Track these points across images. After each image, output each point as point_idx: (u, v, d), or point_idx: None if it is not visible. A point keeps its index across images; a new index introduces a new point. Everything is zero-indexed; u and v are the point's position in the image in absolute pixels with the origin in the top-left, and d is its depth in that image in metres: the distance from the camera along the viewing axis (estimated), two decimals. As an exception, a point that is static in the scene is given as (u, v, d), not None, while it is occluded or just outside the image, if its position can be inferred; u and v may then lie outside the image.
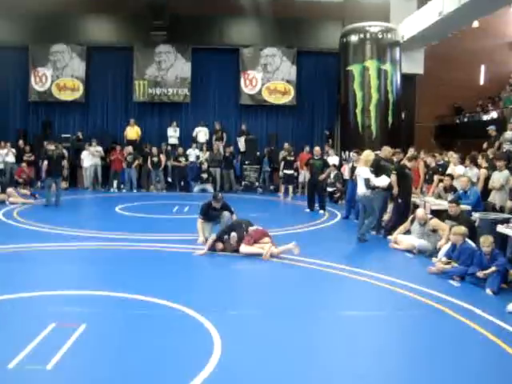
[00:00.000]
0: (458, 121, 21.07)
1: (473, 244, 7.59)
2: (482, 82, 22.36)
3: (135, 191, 17.48)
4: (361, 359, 4.55)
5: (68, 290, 6.16)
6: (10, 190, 14.01)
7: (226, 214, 9.10)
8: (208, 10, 19.15)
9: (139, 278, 6.82)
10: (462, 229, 7.49)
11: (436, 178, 11.52)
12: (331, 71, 19.39)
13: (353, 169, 12.42)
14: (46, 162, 14.26)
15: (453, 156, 12.09)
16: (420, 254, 8.60)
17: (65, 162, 15.59)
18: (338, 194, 15.48)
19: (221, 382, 3.99)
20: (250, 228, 8.55)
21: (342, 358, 4.60)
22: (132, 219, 12.05)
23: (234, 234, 8.37)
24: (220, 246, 8.42)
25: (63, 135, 18.93)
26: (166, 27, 18.53)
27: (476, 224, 8.25)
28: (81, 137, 19.09)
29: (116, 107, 20.22)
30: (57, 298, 5.88)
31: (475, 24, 18.81)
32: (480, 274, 6.69)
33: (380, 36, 17.41)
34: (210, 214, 9.18)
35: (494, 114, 18.27)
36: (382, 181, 9.84)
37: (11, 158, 17.18)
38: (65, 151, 17.61)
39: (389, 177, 9.91)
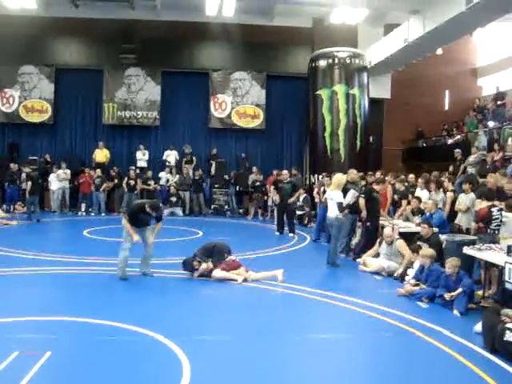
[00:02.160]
0: (424, 144, 21.47)
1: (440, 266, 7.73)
2: (446, 107, 22.88)
3: (103, 214, 17.27)
4: (332, 382, 4.53)
5: (32, 315, 6.02)
6: None
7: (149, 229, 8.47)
8: (178, 34, 19.25)
9: (106, 303, 6.72)
10: (430, 251, 7.64)
11: (404, 202, 11.65)
12: (300, 95, 19.62)
13: (324, 192, 12.55)
14: (29, 183, 15.53)
15: (418, 180, 12.28)
16: (389, 276, 8.67)
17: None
18: (307, 218, 15.56)
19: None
20: (229, 257, 8.51)
21: (314, 381, 4.57)
22: (100, 243, 11.89)
23: (210, 264, 8.32)
24: (197, 264, 8.32)
25: (30, 157, 18.63)
26: (136, 50, 18.58)
27: (443, 246, 8.37)
28: (49, 159, 18.84)
29: (85, 130, 20.03)
30: (20, 324, 5.74)
31: (439, 51, 19.34)
32: (447, 296, 6.78)
33: (348, 61, 17.71)
34: (139, 217, 8.25)
35: (458, 138, 18.67)
36: (349, 197, 9.97)
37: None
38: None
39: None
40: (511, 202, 7.77)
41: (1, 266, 8.67)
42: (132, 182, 17.51)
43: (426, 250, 7.70)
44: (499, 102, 18.58)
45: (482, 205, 8.10)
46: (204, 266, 8.28)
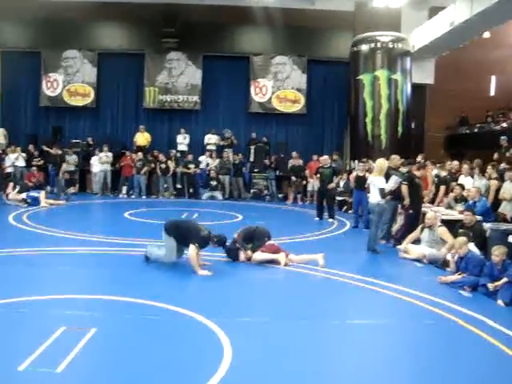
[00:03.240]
0: (467, 131, 21.00)
1: (479, 253, 7.59)
2: (492, 93, 22.28)
3: (144, 197, 17.50)
4: (371, 368, 4.51)
5: (78, 294, 6.16)
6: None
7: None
8: (219, 18, 19.22)
9: (149, 284, 6.83)
10: (461, 239, 7.51)
11: (442, 188, 11.44)
12: (341, 80, 19.41)
13: (358, 178, 12.45)
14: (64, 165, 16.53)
15: (463, 167, 12.05)
16: (430, 264, 8.55)
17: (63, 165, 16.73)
18: (348, 203, 15.44)
19: (231, 388, 3.97)
20: (268, 242, 8.51)
21: (352, 366, 4.56)
22: (141, 225, 12.07)
23: (249, 252, 8.34)
24: (245, 255, 8.35)
25: (73, 140, 19.04)
26: (178, 34, 18.68)
27: (487, 235, 8.20)
28: (91, 142, 19.18)
29: (126, 113, 20.30)
30: (67, 301, 5.88)
31: (486, 35, 18.79)
32: (491, 286, 6.64)
33: (391, 46, 17.46)
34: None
35: (504, 125, 18.18)
36: (391, 183, 9.83)
37: (21, 163, 17.26)
38: (74, 156, 17.87)
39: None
40: None
41: (45, 245, 8.91)
42: (163, 166, 17.66)
43: (458, 240, 7.57)
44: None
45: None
46: (242, 256, 8.33)
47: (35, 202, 14.19)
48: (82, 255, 8.49)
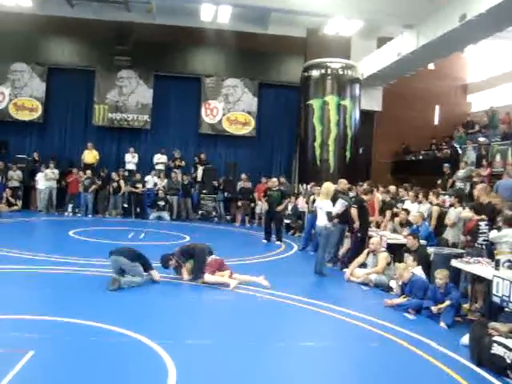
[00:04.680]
0: (413, 158, 21.59)
1: (423, 275, 7.79)
2: (436, 122, 23.06)
3: (90, 216, 17.13)
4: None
5: (16, 314, 5.92)
6: None
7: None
8: (172, 38, 19.26)
9: (91, 304, 6.64)
10: (400, 266, 7.91)
11: (388, 212, 11.71)
12: (292, 104, 19.69)
13: (314, 201, 12.55)
14: None
15: (409, 193, 12.35)
16: (376, 287, 8.67)
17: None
18: (295, 226, 15.56)
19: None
20: (211, 257, 8.48)
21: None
22: (85, 244, 11.79)
23: (189, 264, 8.34)
24: (173, 263, 8.36)
25: (18, 156, 18.48)
26: (130, 52, 18.55)
27: (431, 258, 8.40)
28: (37, 158, 18.68)
29: (75, 130, 19.91)
30: (3, 322, 5.65)
31: (431, 66, 19.53)
32: (434, 309, 6.79)
33: (341, 72, 17.85)
34: None
35: (446, 153, 18.80)
36: (337, 206, 9.99)
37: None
38: (19, 172, 17.38)
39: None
40: (509, 216, 7.58)
41: (-15, 263, 8.57)
42: (115, 185, 17.41)
43: (398, 266, 7.97)
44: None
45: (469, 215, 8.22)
46: (185, 275, 8.31)
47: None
48: (22, 274, 8.18)
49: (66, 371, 4.52)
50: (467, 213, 8.85)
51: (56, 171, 17.68)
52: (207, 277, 8.17)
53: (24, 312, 6.02)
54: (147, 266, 8.07)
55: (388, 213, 11.67)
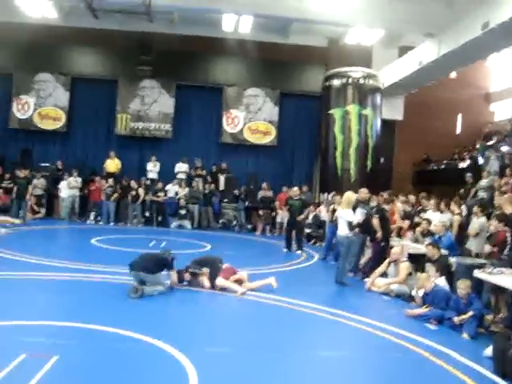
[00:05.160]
0: (435, 167, 21.43)
1: (446, 285, 7.71)
2: (458, 131, 22.87)
3: (112, 224, 17.29)
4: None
5: (41, 320, 6.01)
6: None
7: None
8: (194, 48, 19.43)
9: (114, 311, 6.71)
10: (422, 276, 7.86)
11: (406, 222, 11.63)
12: (313, 113, 19.72)
13: (334, 211, 12.50)
14: (15, 187, 16.03)
15: (430, 202, 12.26)
16: (397, 297, 8.61)
17: (30, 188, 16.28)
18: (316, 235, 15.52)
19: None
20: (225, 265, 8.58)
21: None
22: (108, 252, 11.90)
23: (206, 270, 8.40)
24: (188, 276, 8.42)
25: (42, 164, 18.76)
26: (152, 62, 18.75)
27: (453, 268, 8.32)
28: (60, 167, 18.95)
29: (97, 139, 20.17)
30: (29, 328, 5.72)
31: (453, 75, 19.39)
32: (456, 320, 6.72)
33: (362, 81, 17.85)
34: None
35: (469, 163, 18.64)
36: (357, 215, 9.97)
37: (-13, 185, 16.91)
38: (42, 180, 17.62)
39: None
40: None
41: (8, 269, 8.68)
42: (133, 193, 17.57)
43: (420, 275, 7.88)
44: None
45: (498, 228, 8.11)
46: (206, 283, 8.36)
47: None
48: (47, 281, 8.30)
49: (89, 376, 4.58)
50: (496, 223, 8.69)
51: (79, 179, 17.90)
52: (220, 281, 8.27)
53: (48, 318, 6.11)
54: (168, 267, 8.18)
55: (406, 222, 11.61)
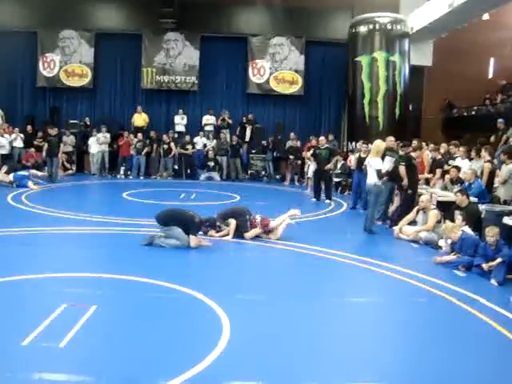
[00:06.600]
0: (465, 113, 21.00)
1: (472, 233, 7.70)
2: (490, 75, 22.25)
3: (142, 178, 17.54)
4: (367, 344, 4.62)
5: (78, 272, 6.23)
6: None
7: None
8: (217, -1, 19.14)
9: (148, 263, 6.92)
10: (449, 225, 7.77)
11: (438, 171, 11.52)
12: (339, 62, 19.36)
13: (359, 159, 12.44)
14: (46, 145, 15.74)
15: (459, 149, 12.09)
16: (426, 245, 8.65)
17: (61, 146, 16.10)
18: (345, 184, 15.50)
19: (231, 362, 4.06)
20: (257, 216, 8.65)
21: (349, 343, 4.66)
22: (139, 205, 12.13)
23: (232, 221, 8.51)
24: (213, 233, 8.56)
25: (71, 121, 19.02)
26: (176, 15, 18.55)
27: (482, 216, 8.29)
28: (88, 123, 19.16)
29: (124, 94, 20.29)
30: (67, 280, 5.95)
31: (485, 17, 18.71)
32: (485, 266, 6.74)
33: (389, 27, 17.39)
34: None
35: (501, 108, 18.20)
36: (386, 163, 9.93)
37: (19, 143, 17.20)
38: (72, 137, 17.87)
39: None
40: None
41: (44, 225, 8.98)
42: (165, 147, 17.70)
43: (447, 225, 7.82)
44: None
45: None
46: (228, 229, 8.51)
47: (23, 182, 13.73)
48: (81, 235, 8.56)
49: (127, 324, 4.77)
50: None
51: (108, 135, 18.09)
52: (249, 234, 8.47)
53: (84, 270, 6.33)
54: (191, 230, 7.82)
55: (438, 171, 11.50)
